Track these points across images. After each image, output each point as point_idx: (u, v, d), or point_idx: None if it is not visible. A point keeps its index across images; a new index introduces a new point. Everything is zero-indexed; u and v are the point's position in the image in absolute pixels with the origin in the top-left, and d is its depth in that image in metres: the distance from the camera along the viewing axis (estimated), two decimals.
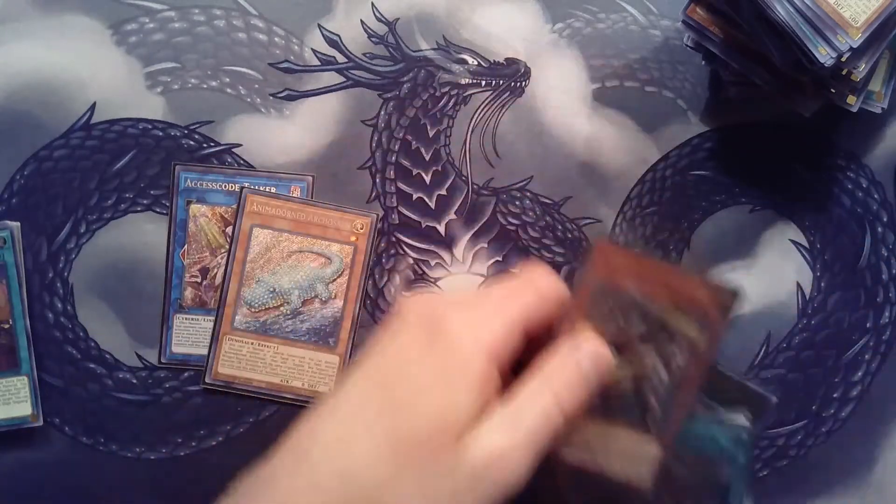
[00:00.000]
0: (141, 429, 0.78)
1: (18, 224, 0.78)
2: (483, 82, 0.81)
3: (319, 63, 0.81)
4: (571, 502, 0.53)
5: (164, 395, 0.79)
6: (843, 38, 0.66)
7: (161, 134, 0.80)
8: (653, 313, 0.51)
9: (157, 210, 0.79)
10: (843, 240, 0.83)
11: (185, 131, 0.80)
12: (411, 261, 0.81)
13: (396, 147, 0.81)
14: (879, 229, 0.83)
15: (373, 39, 0.81)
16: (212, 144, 0.80)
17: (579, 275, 0.53)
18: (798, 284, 0.82)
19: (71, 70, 0.79)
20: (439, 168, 0.81)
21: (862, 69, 0.68)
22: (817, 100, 0.74)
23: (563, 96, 0.82)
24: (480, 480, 0.46)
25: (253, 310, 0.77)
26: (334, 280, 0.78)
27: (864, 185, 0.83)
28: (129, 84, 0.80)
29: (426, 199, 0.81)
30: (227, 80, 0.80)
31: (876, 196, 0.83)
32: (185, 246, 0.78)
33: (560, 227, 0.81)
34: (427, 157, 0.81)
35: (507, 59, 0.82)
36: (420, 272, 0.81)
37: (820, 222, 0.83)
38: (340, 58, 0.81)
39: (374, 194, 0.81)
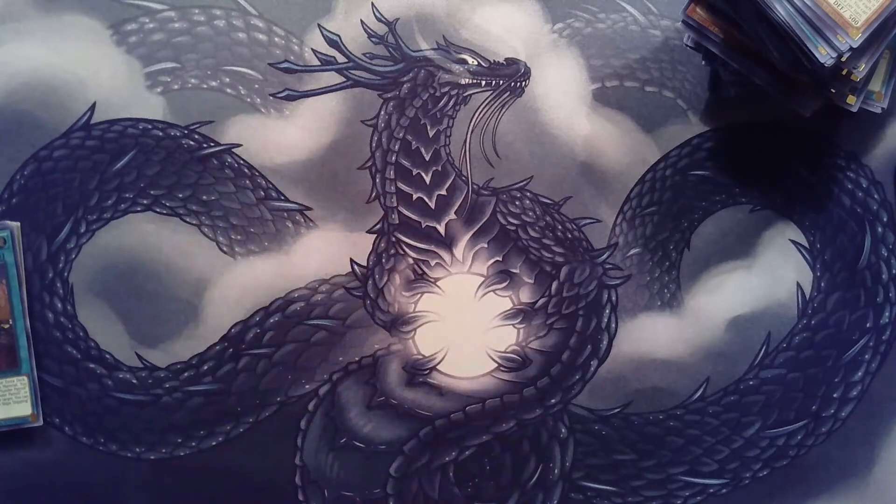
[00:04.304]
0: (141, 429, 0.78)
1: (18, 224, 0.78)
2: (483, 82, 0.81)
3: (319, 63, 0.81)
4: None
5: (164, 395, 0.79)
6: (843, 38, 0.66)
7: (161, 134, 0.80)
8: None
9: (157, 210, 0.79)
10: (843, 240, 0.83)
11: (185, 131, 0.80)
12: (411, 261, 0.81)
13: (396, 147, 0.81)
14: (879, 229, 0.83)
15: (373, 39, 0.81)
16: (212, 144, 0.80)
17: None
18: (798, 284, 0.82)
19: (71, 70, 0.79)
20: (439, 168, 0.81)
21: (862, 69, 0.68)
22: (817, 100, 0.74)
23: (563, 96, 0.82)
24: None
25: None
26: None
27: (864, 185, 0.83)
28: (129, 84, 0.80)
29: (426, 199, 0.81)
30: (227, 80, 0.80)
31: (876, 196, 0.83)
32: None
33: (560, 227, 0.81)
34: (427, 157, 0.81)
35: (507, 59, 0.82)
36: (420, 272, 0.81)
37: (820, 222, 0.83)
38: (340, 58, 0.81)
39: (374, 194, 0.81)
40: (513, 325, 0.81)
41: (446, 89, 0.81)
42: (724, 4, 0.72)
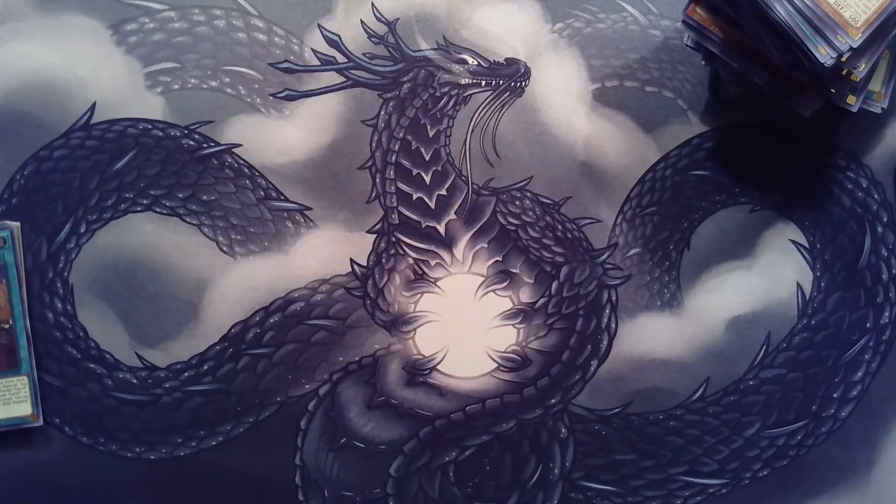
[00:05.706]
0: (141, 429, 0.78)
1: (18, 224, 0.78)
2: (483, 82, 0.81)
3: (319, 63, 0.81)
4: None
5: (164, 395, 0.79)
6: (843, 38, 0.66)
7: (161, 134, 0.80)
8: None
9: (157, 210, 0.79)
10: (843, 240, 0.83)
11: (185, 131, 0.80)
12: (411, 261, 0.81)
13: (396, 147, 0.81)
14: (879, 229, 0.83)
15: (373, 39, 0.81)
16: (212, 144, 0.80)
17: None
18: (798, 284, 0.82)
19: (71, 70, 0.79)
20: (439, 168, 0.81)
21: (862, 69, 0.68)
22: (817, 100, 0.74)
23: (563, 96, 0.82)
24: None
25: None
26: None
27: (864, 185, 0.83)
28: (129, 84, 0.80)
29: (426, 199, 0.81)
30: (227, 80, 0.80)
31: (876, 196, 0.83)
32: None
33: (560, 227, 0.81)
34: (427, 157, 0.81)
35: (507, 59, 0.82)
36: (420, 272, 0.81)
37: (820, 222, 0.83)
38: (340, 58, 0.81)
39: (374, 194, 0.81)
40: (513, 325, 0.81)
41: (446, 89, 0.81)
42: (724, 4, 0.72)
